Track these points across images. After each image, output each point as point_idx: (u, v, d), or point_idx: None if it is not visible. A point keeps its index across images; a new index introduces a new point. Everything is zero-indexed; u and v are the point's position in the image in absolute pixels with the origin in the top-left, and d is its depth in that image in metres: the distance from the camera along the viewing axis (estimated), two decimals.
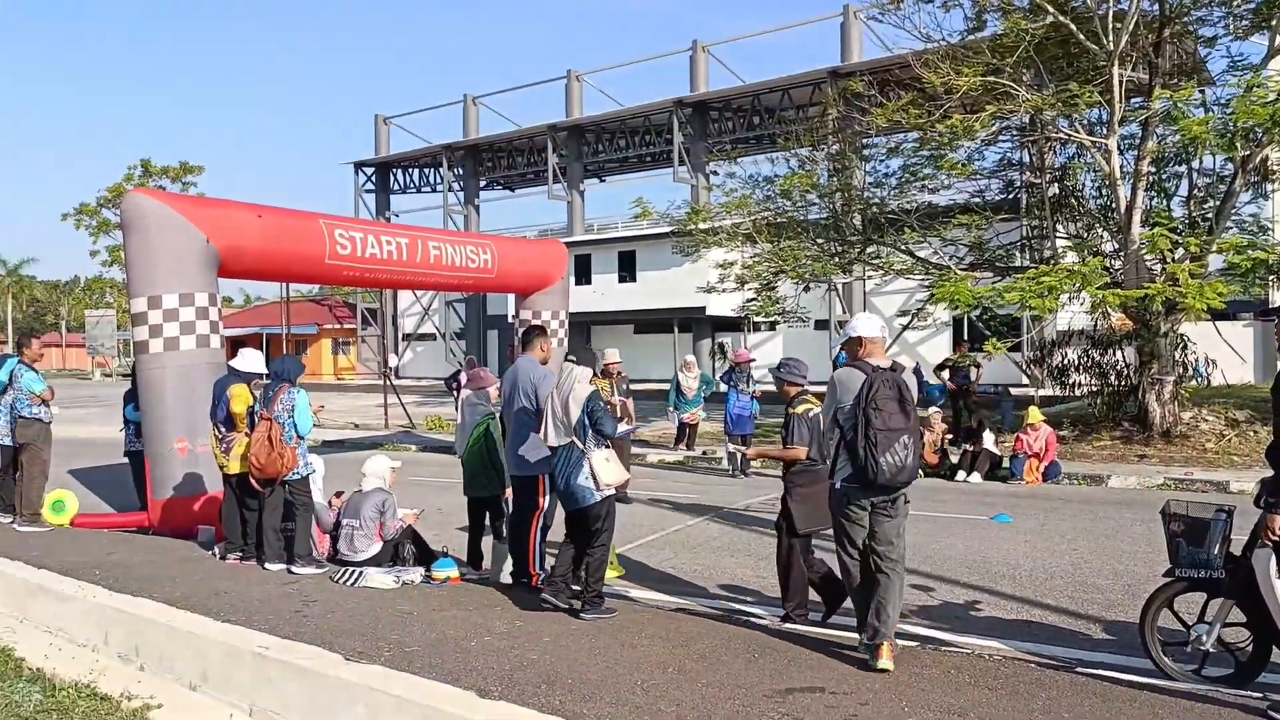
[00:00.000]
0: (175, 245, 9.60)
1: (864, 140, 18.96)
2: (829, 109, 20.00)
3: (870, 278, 22.80)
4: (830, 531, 5.45)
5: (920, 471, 13.14)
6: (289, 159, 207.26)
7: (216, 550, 8.00)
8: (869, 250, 18.73)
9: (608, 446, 6.13)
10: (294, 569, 7.24)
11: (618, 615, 6.04)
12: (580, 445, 6.04)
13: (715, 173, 33.13)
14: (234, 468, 7.52)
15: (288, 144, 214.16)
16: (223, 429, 7.65)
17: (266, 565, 7.38)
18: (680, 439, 16.61)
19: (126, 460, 10.99)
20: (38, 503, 9.34)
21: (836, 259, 18.59)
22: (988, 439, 13.30)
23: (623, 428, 6.48)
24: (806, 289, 20.43)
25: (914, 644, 5.59)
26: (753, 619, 6.30)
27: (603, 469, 6.00)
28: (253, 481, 7.27)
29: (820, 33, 74.70)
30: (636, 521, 10.22)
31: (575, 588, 6.26)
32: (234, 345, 11.76)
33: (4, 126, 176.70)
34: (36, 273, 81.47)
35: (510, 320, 35.98)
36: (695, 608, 6.81)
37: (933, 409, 14.08)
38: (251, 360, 7.88)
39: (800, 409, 6.30)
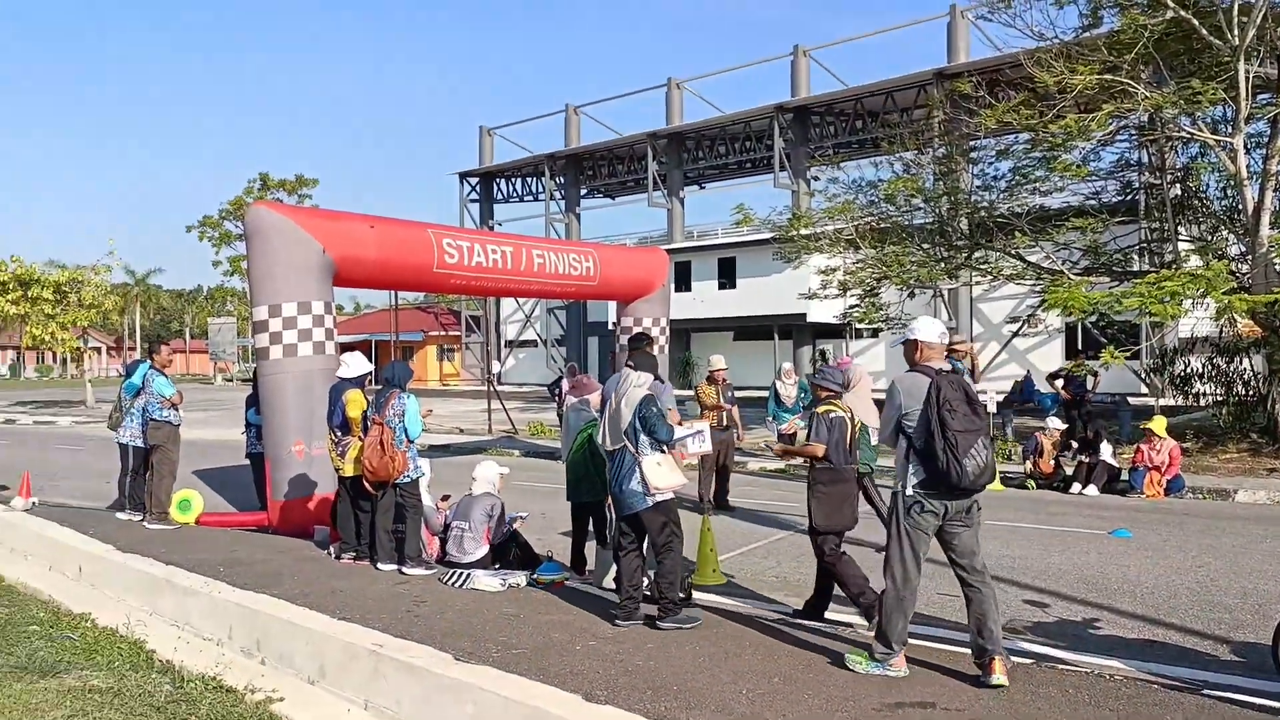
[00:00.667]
0: (294, 255, 9.98)
1: (972, 142, 18.51)
2: (935, 111, 19.60)
3: (978, 283, 22.25)
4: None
5: (1033, 483, 12.86)
6: (397, 170, 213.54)
7: (331, 550, 8.27)
8: (976, 255, 18.27)
9: (662, 451, 6.06)
10: (405, 570, 7.43)
11: (723, 626, 6.01)
12: (632, 449, 6.02)
13: (817, 178, 32.78)
14: (348, 470, 7.77)
15: (396, 155, 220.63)
16: (339, 433, 7.91)
17: (379, 565, 7.60)
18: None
19: (248, 462, 11.45)
20: (166, 502, 9.79)
21: (942, 264, 18.19)
22: (1105, 450, 12.80)
23: (680, 432, 6.41)
24: (911, 295, 20.05)
25: (1028, 661, 5.41)
26: (860, 630, 6.20)
27: (654, 473, 5.93)
28: (365, 484, 7.50)
29: (925, 33, 73.33)
30: (739, 529, 10.18)
31: (680, 595, 6.25)
32: (341, 351, 12.17)
33: (134, 144, 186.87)
34: (163, 282, 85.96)
35: (610, 327, 36.26)
36: (768, 619, 6.72)
37: (1052, 421, 13.64)
38: (357, 364, 8.11)
39: (822, 409, 6.55)
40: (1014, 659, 5.38)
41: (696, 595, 6.94)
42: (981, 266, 18.37)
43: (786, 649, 5.46)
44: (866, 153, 34.14)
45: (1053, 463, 13.14)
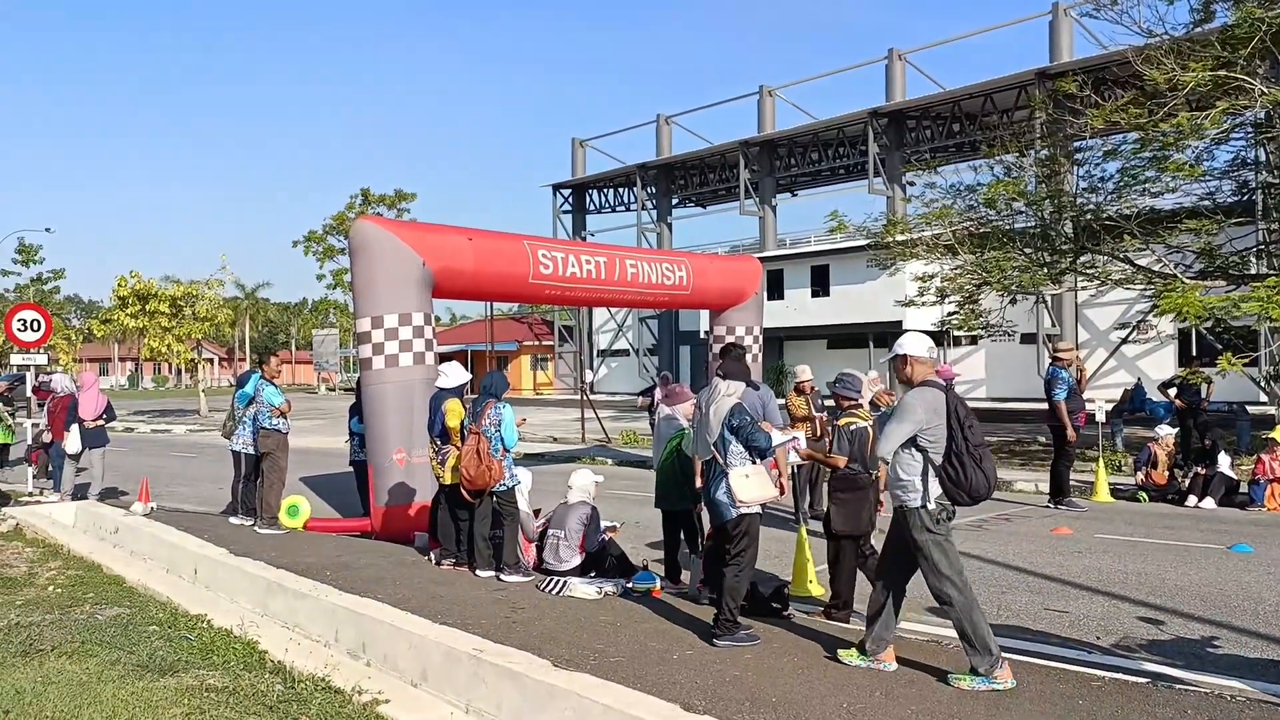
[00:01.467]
0: (395, 268, 10.25)
1: (1077, 143, 17.92)
2: (1037, 112, 19.06)
3: (1084, 288, 21.48)
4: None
5: (1145, 495, 12.36)
6: (491, 183, 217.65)
7: (431, 556, 8.44)
8: (1082, 259, 17.66)
9: (753, 462, 5.93)
10: (502, 576, 7.54)
11: (822, 637, 5.93)
12: (720, 460, 5.96)
13: (912, 183, 32.19)
14: (447, 478, 7.93)
15: (490, 169, 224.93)
16: (439, 441, 8.09)
17: (477, 572, 7.72)
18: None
19: (351, 469, 11.78)
20: (276, 507, 10.14)
21: (1046, 269, 17.62)
22: (1223, 461, 12.21)
23: (779, 437, 6.32)
24: (1013, 301, 19.47)
25: (1144, 680, 5.19)
26: (949, 643, 6.04)
27: (739, 485, 5.83)
28: (463, 492, 7.64)
29: (1025, 33, 71.33)
30: None
31: (775, 604, 6.20)
32: (440, 361, 12.41)
33: (242, 162, 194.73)
34: (270, 295, 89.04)
35: (702, 336, 36.17)
36: (901, 631, 6.58)
37: (1162, 429, 13.08)
38: (455, 374, 8.27)
39: (843, 421, 6.91)
40: (1129, 678, 5.17)
41: (793, 607, 6.87)
42: (1088, 271, 17.76)
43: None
44: (964, 156, 33.44)
45: (1167, 474, 12.60)
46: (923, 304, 20.01)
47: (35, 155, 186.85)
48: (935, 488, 5.07)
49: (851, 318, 34.97)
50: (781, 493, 7.08)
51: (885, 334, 34.74)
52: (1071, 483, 12.28)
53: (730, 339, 14.83)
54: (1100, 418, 14.06)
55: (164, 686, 5.14)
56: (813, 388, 11.78)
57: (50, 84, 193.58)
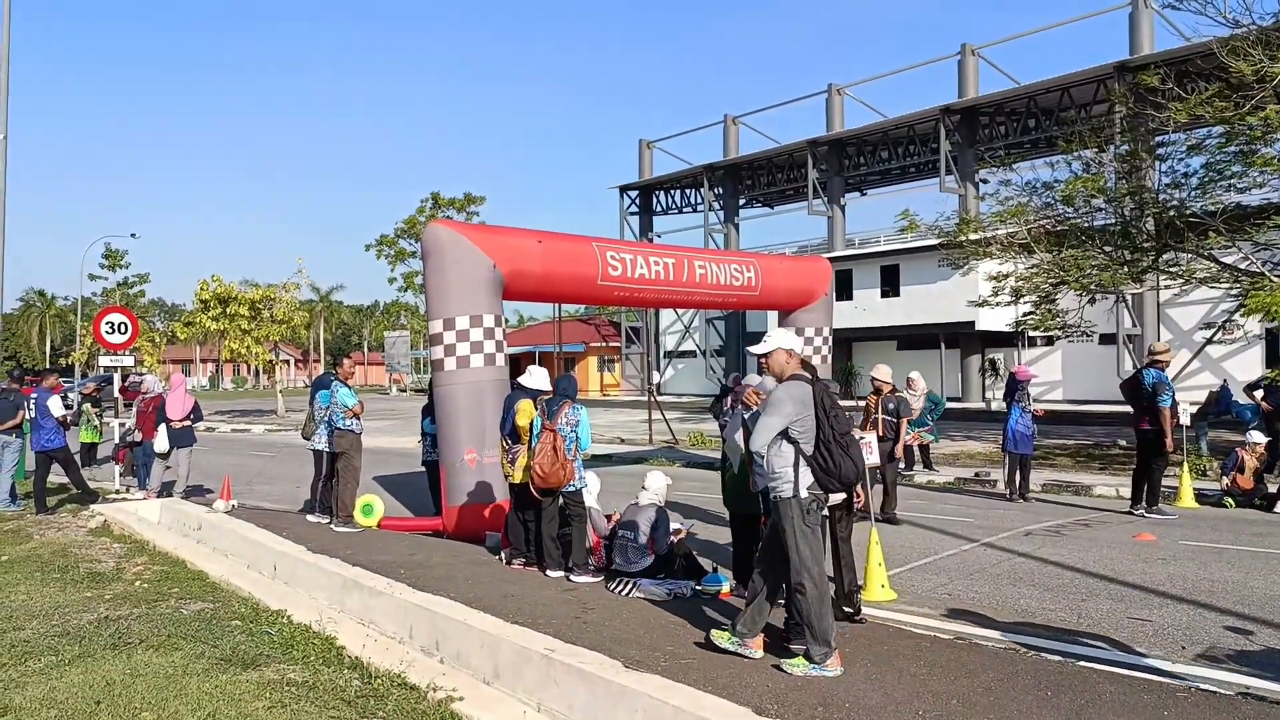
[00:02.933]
0: (467, 271, 10.39)
1: (1159, 138, 17.40)
2: (1117, 106, 18.55)
3: (1166, 287, 20.84)
4: None
5: (1231, 501, 11.95)
6: (558, 185, 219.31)
7: (503, 555, 8.52)
8: (1165, 257, 17.14)
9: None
10: (572, 577, 7.58)
11: (895, 642, 5.84)
12: None
13: (986, 181, 31.62)
14: (517, 477, 8.01)
15: (557, 170, 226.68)
16: (509, 441, 8.17)
17: (547, 572, 7.78)
18: (911, 462, 15.87)
19: (424, 469, 11.97)
20: (350, 506, 10.34)
21: (1126, 268, 17.15)
22: None
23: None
24: (1092, 301, 18.99)
25: (1231, 693, 5.01)
26: (1043, 654, 5.90)
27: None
28: (533, 491, 7.70)
29: (1103, 26, 69.37)
30: (907, 544, 9.89)
31: (847, 609, 6.13)
32: (512, 363, 12.53)
33: (317, 169, 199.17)
34: (343, 298, 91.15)
35: None
36: (977, 638, 6.47)
37: (1254, 434, 12.62)
38: (539, 378, 8.35)
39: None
40: (1215, 689, 4.99)
41: (866, 611, 6.78)
42: (1171, 269, 17.24)
43: (965, 671, 5.24)
44: (1040, 152, 32.72)
45: (1253, 479, 12.16)
46: (997, 304, 19.64)
47: (121, 161, 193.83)
48: (806, 477, 5.23)
49: (922, 318, 34.45)
50: (859, 500, 6.95)
51: (957, 334, 34.18)
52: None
53: (799, 340, 14.73)
54: (1185, 420, 13.62)
55: (246, 680, 5.28)
56: (892, 389, 11.66)
57: (134, 95, 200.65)
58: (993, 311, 22.29)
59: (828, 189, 41.29)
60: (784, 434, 5.23)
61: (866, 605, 7.06)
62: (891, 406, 11.52)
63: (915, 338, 35.96)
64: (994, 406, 29.95)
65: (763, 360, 5.49)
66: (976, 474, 15.33)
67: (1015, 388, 13.38)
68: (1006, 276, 18.96)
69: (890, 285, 36.20)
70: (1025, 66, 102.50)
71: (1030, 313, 19.19)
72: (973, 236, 19.32)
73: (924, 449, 16.21)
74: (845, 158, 41.88)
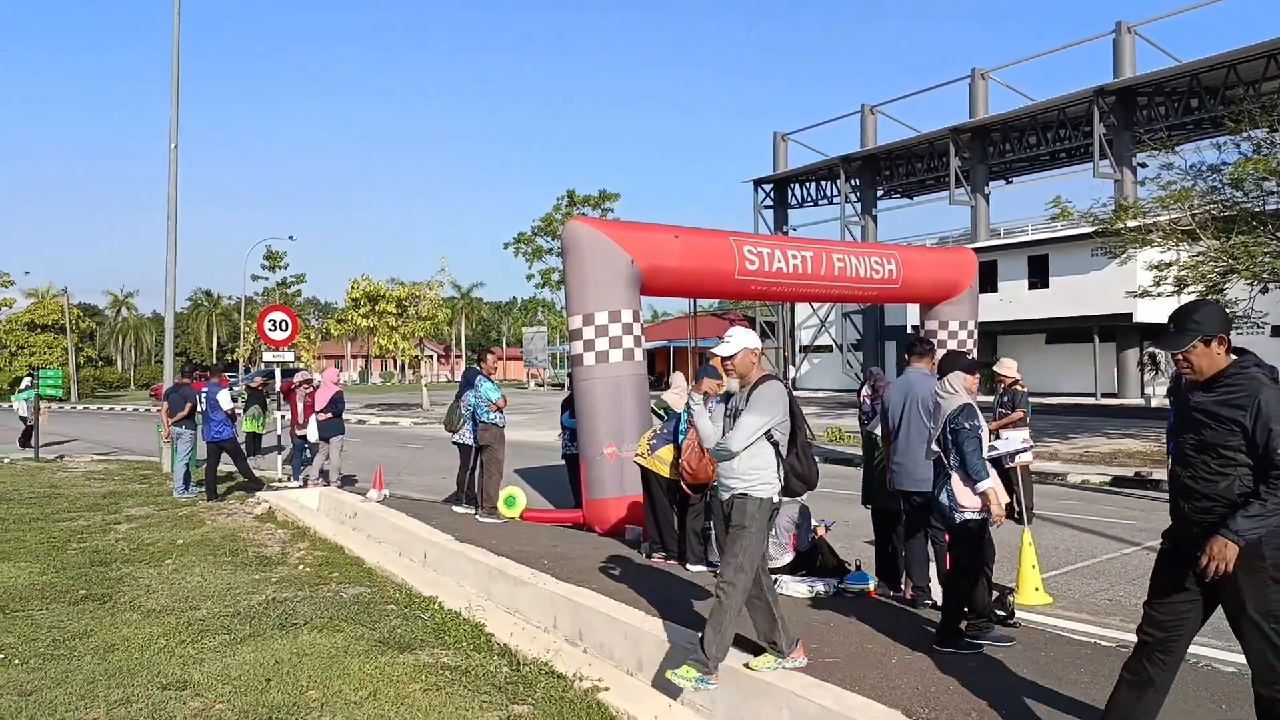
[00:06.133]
0: (605, 267, 10.51)
1: None
2: None
3: None
4: None
5: None
6: (691, 179, 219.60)
7: (643, 548, 8.60)
8: None
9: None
10: (714, 571, 7.57)
11: (1052, 648, 5.60)
12: (945, 460, 5.69)
13: (1144, 164, 29.98)
14: (666, 472, 8.06)
15: (690, 164, 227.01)
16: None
17: (688, 566, 7.80)
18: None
19: (564, 462, 12.19)
20: (494, 497, 10.63)
21: None
22: None
23: (1005, 447, 5.93)
24: (1264, 290, 17.72)
25: None
26: (1213, 663, 5.55)
27: (960, 491, 5.56)
28: (684, 486, 7.74)
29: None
30: (1062, 546, 9.48)
31: (1000, 612, 5.92)
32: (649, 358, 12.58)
33: (455, 173, 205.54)
34: (483, 295, 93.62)
35: (909, 331, 35.05)
36: (1080, 637, 6.12)
37: None
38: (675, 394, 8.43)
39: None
40: None
41: (1019, 615, 6.53)
42: None
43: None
44: (1204, 133, 30.81)
45: None
46: (1158, 294, 18.56)
47: (278, 166, 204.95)
48: (778, 483, 5.10)
49: (1074, 310, 32.92)
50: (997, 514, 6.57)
51: (1113, 327, 32.51)
52: None
53: (943, 334, 14.30)
54: None
55: (403, 662, 5.49)
56: (1013, 382, 11.19)
57: (288, 107, 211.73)
58: (1153, 302, 21.07)
59: (970, 178, 39.92)
60: (766, 434, 5.02)
61: (1020, 609, 6.81)
62: (1006, 399, 11.10)
63: (1065, 331, 34.40)
64: (1154, 403, 28.37)
65: (728, 362, 5.22)
66: (1137, 473, 14.55)
67: (1176, 383, 12.63)
68: (1169, 265, 17.90)
69: (1038, 276, 34.73)
70: (1185, 43, 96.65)
71: None
72: (1131, 223, 18.30)
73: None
74: (990, 145, 40.39)
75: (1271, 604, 3.51)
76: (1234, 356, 3.68)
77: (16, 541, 9.51)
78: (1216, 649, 6.11)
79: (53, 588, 7.47)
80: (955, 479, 5.62)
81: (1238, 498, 3.53)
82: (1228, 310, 17.58)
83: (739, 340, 5.21)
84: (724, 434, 5.15)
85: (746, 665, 5.01)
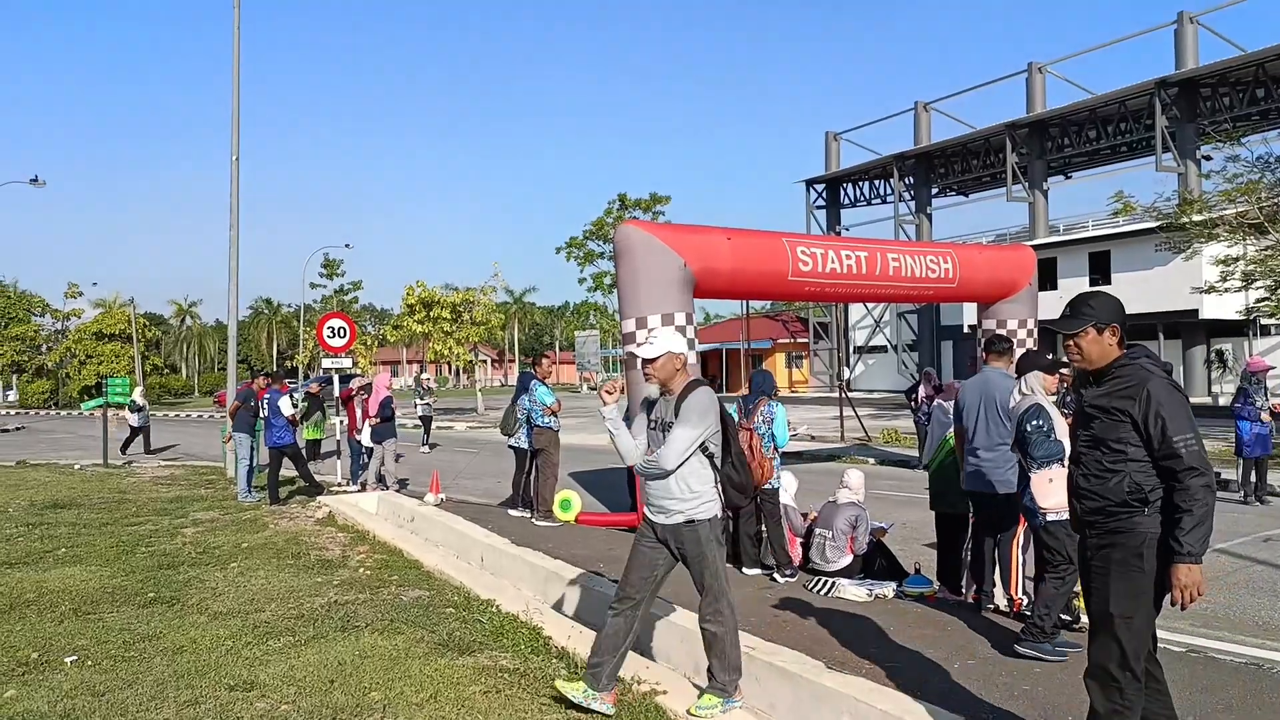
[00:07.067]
0: (658, 270, 10.50)
1: None
2: None
3: None
4: None
5: None
6: (741, 180, 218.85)
7: None
8: None
9: (1060, 465, 5.44)
10: (775, 576, 7.54)
11: None
12: (1024, 461, 5.58)
13: (1209, 157, 29.18)
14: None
15: (739, 165, 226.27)
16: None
17: (743, 570, 7.76)
18: None
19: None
20: (550, 501, 10.68)
21: None
22: None
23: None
24: None
25: None
26: (1207, 652, 5.38)
27: (1042, 490, 5.43)
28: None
29: None
30: None
31: (1065, 617, 5.80)
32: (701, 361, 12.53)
33: (508, 177, 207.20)
34: (535, 300, 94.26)
35: (966, 330, 34.55)
36: (1213, 651, 5.96)
37: None
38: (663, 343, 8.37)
39: None
40: None
41: (1085, 620, 6.38)
42: None
43: (1202, 686, 4.84)
44: (1272, 123, 29.92)
45: None
46: (1225, 290, 18.08)
47: (335, 174, 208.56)
48: (719, 496, 4.77)
49: (1136, 307, 32.13)
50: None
51: (1178, 324, 31.73)
52: None
53: (1001, 333, 14.04)
54: None
55: (463, 665, 5.54)
56: (1072, 379, 10.94)
57: (345, 117, 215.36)
58: (1220, 298, 20.53)
59: (1028, 173, 39.23)
60: (701, 446, 4.65)
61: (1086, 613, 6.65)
62: (1070, 399, 10.84)
63: (1129, 328, 33.59)
64: (1222, 401, 27.60)
65: (648, 366, 4.76)
66: None
67: (1248, 382, 12.27)
68: (1236, 260, 17.42)
69: (1100, 273, 34.01)
70: (1250, 32, 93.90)
71: (1264, 299, 17.54)
72: (1197, 217, 17.85)
73: None
74: (1048, 139, 39.66)
75: (1133, 604, 3.43)
76: (1126, 350, 3.61)
77: (88, 546, 9.78)
78: (1207, 639, 5.93)
79: (123, 591, 7.66)
80: (1035, 477, 5.55)
81: (1126, 495, 3.43)
82: None
83: (664, 342, 4.77)
84: (650, 449, 4.77)
85: (690, 711, 4.74)
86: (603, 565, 7.86)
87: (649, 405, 4.95)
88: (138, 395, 24.55)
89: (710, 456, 4.72)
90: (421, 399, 24.71)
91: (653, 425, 4.83)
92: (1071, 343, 3.64)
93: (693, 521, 4.68)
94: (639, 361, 4.93)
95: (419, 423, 24.87)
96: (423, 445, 23.56)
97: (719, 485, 4.78)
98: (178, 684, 5.25)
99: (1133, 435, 3.43)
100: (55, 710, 4.84)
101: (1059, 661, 5.28)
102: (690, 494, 4.66)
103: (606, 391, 4.80)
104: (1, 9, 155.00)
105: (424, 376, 28.22)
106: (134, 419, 24.03)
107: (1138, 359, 3.57)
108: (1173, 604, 3.37)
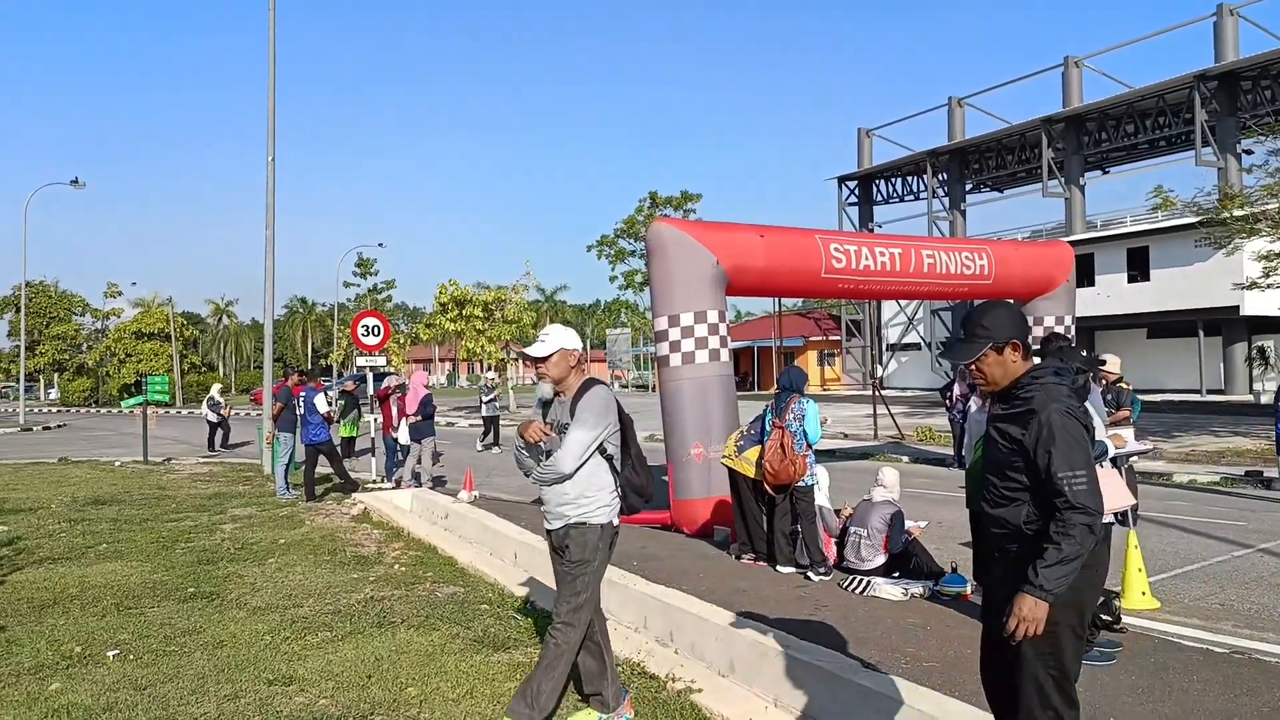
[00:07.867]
0: (690, 267, 10.49)
1: None
2: None
3: None
4: None
5: None
6: (773, 176, 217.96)
7: (731, 550, 8.56)
8: None
9: (1100, 465, 5.39)
10: (810, 574, 7.50)
11: (1160, 655, 5.40)
12: None
13: (1250, 151, 28.64)
14: (751, 472, 8.01)
15: (771, 162, 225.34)
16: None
17: (778, 568, 7.74)
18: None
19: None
20: None
21: None
22: None
23: (1129, 447, 5.69)
24: None
25: None
26: (1249, 651, 5.28)
27: None
28: (766, 487, 7.68)
29: None
30: (1170, 548, 9.12)
31: (1105, 617, 5.72)
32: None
33: (539, 183, 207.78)
34: (567, 298, 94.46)
35: None
36: (1257, 653, 5.85)
37: None
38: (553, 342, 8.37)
39: None
40: None
41: (1126, 620, 6.30)
42: None
43: (1244, 689, 4.76)
44: None
45: None
46: (1268, 286, 17.75)
47: (368, 175, 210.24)
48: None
49: (1176, 303, 31.70)
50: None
51: (1218, 320, 31.22)
52: None
53: (1039, 330, 13.89)
54: None
55: (498, 661, 5.57)
56: (1117, 379, 10.77)
57: (378, 115, 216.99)
58: (1262, 294, 20.14)
59: (1064, 169, 38.74)
60: (599, 448, 4.45)
61: (1126, 614, 6.57)
62: (1109, 397, 10.68)
63: (1167, 325, 33.13)
64: (1264, 399, 27.12)
65: (541, 365, 4.55)
66: (1248, 472, 13.92)
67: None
68: (1279, 255, 17.11)
69: (1138, 269, 33.54)
70: None
71: None
72: (1238, 212, 17.55)
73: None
74: (1085, 134, 39.15)
75: (1058, 653, 3.18)
76: (1033, 362, 3.32)
77: (129, 541, 9.94)
78: (1252, 640, 5.82)
79: (163, 586, 7.78)
80: None
81: (1023, 525, 3.18)
82: None
83: (556, 339, 4.55)
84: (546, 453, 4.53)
85: None
86: (636, 563, 7.86)
87: (544, 406, 4.70)
88: (215, 391, 24.93)
89: (609, 458, 4.51)
90: (486, 399, 23.89)
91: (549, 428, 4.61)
92: (974, 368, 3.36)
93: (582, 524, 4.46)
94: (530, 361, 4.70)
95: (480, 423, 24.28)
96: (491, 446, 22.62)
97: (619, 489, 4.59)
98: (218, 678, 5.32)
99: (1024, 465, 3.18)
100: (99, 703, 4.92)
101: (1104, 665, 5.21)
102: (584, 498, 4.46)
103: (529, 435, 4.56)
104: (46, 17, 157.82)
105: (488, 375, 27.35)
106: (212, 415, 24.35)
107: (1041, 377, 3.25)
108: (1004, 633, 3.12)
